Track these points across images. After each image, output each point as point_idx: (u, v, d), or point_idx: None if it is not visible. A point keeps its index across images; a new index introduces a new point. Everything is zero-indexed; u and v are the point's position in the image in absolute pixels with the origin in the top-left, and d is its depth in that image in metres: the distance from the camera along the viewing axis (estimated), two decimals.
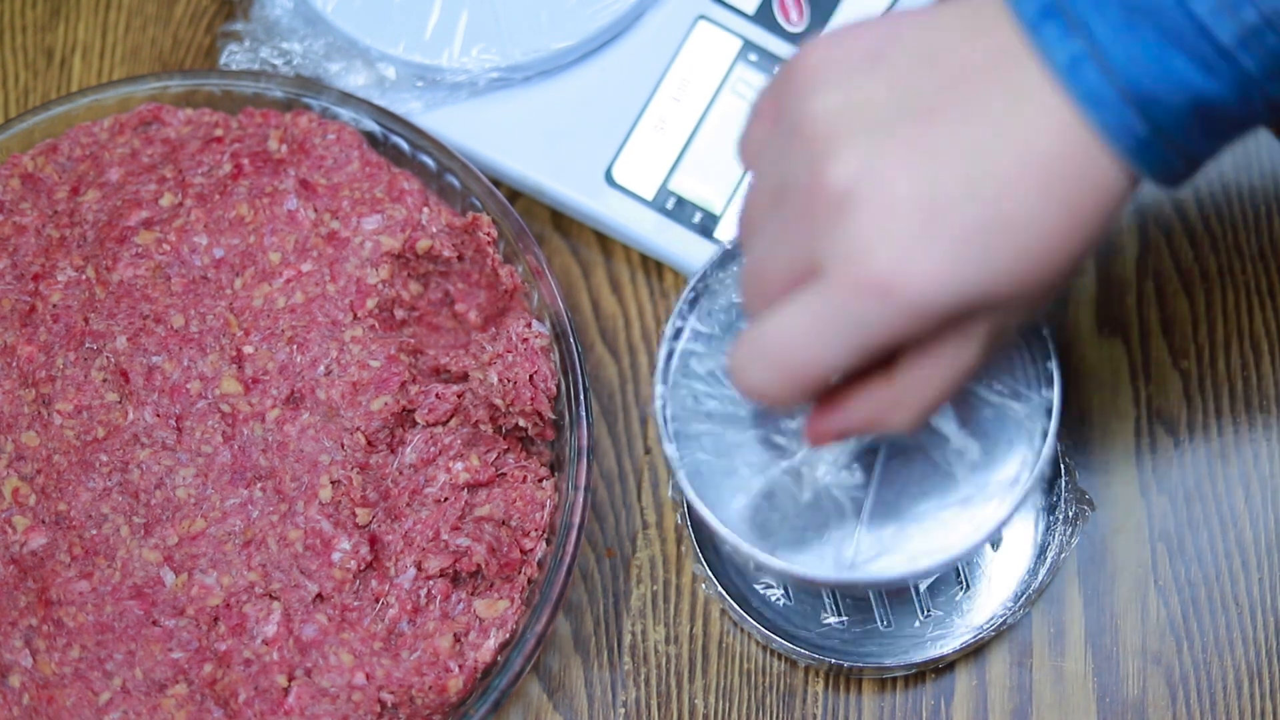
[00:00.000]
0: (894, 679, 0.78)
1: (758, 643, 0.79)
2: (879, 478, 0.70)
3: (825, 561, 0.69)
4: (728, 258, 0.72)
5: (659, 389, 0.70)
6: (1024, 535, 0.77)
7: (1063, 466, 0.77)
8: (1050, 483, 0.77)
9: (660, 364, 0.70)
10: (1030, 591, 0.76)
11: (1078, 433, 0.80)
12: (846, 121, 0.56)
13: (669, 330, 0.71)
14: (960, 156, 0.55)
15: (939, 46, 0.57)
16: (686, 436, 0.70)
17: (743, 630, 0.79)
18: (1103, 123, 0.56)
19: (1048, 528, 0.77)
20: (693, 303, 0.71)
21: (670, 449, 0.69)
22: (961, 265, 0.56)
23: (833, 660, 0.77)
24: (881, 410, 0.61)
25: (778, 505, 0.70)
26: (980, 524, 0.69)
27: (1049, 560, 0.76)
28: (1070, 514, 0.76)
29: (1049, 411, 0.69)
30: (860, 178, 0.55)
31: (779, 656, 0.79)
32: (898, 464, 0.70)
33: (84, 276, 0.79)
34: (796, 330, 0.57)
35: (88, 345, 0.77)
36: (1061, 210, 0.56)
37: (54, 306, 0.78)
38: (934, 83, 0.56)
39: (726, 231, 0.82)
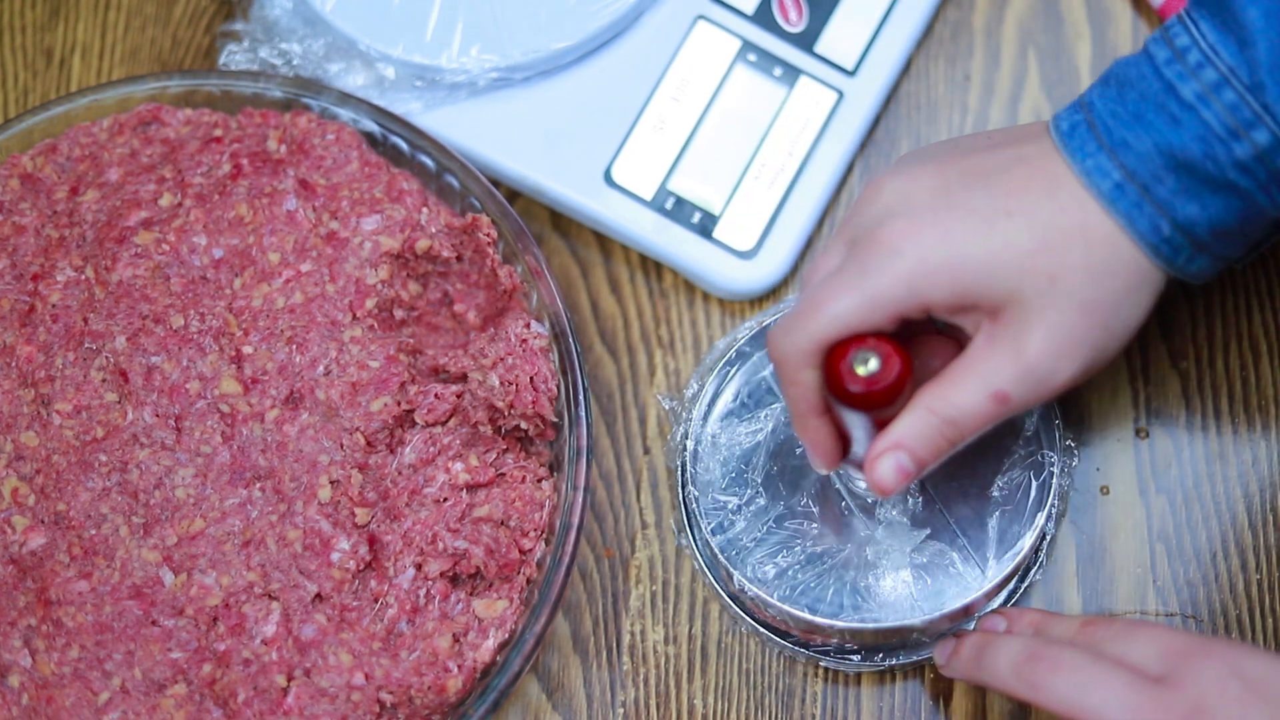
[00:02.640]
0: (893, 678, 0.78)
1: (757, 642, 0.79)
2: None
3: (844, 611, 0.76)
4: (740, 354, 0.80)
5: (692, 490, 0.78)
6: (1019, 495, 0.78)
7: (1057, 415, 0.77)
8: (1036, 435, 0.78)
9: (690, 469, 0.78)
10: (1029, 551, 0.77)
11: (1078, 433, 0.80)
12: (902, 201, 0.69)
13: (689, 446, 0.79)
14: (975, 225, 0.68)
15: (992, 168, 0.69)
16: (712, 512, 0.78)
17: (742, 630, 0.79)
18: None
19: (1040, 482, 0.77)
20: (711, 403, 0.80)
21: (715, 540, 0.77)
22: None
23: (829, 666, 0.77)
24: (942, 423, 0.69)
25: (796, 560, 0.77)
26: (984, 577, 0.76)
27: (1047, 510, 0.76)
28: (1062, 462, 0.77)
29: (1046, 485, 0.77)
30: (904, 238, 0.68)
31: (778, 656, 0.79)
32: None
33: (83, 276, 0.79)
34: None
35: (87, 345, 0.77)
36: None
37: (53, 306, 0.78)
38: (985, 191, 0.69)
39: (726, 233, 0.82)
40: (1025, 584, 0.77)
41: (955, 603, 0.75)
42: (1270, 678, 0.65)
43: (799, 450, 0.78)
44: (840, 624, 0.75)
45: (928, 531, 0.76)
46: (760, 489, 0.78)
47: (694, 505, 0.77)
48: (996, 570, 0.76)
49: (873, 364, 0.67)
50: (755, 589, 0.75)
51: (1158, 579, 0.79)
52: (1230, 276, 0.83)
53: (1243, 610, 0.78)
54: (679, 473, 0.79)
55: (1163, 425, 0.81)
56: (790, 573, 0.76)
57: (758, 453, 0.78)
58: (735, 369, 0.80)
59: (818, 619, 0.75)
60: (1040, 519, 0.76)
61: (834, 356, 0.68)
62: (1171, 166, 0.66)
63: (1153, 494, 0.80)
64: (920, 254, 0.67)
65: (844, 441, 0.72)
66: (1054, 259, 0.67)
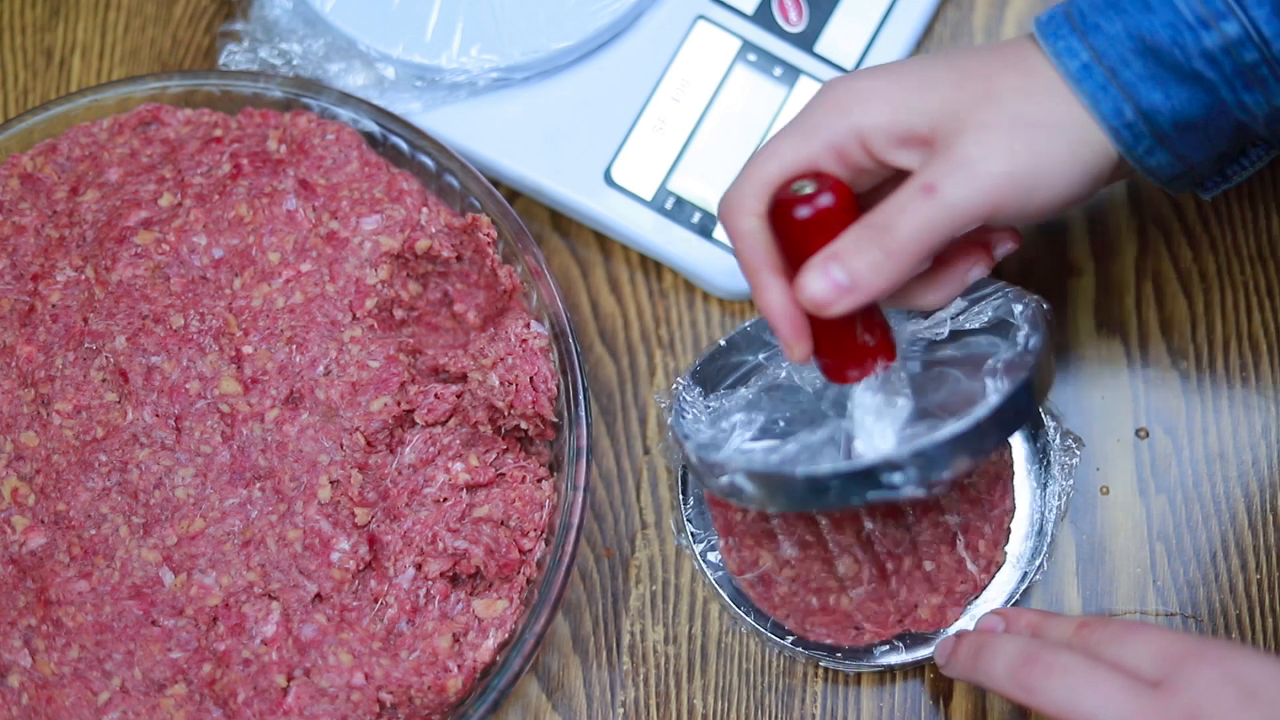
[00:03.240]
0: (893, 678, 0.78)
1: (757, 642, 0.79)
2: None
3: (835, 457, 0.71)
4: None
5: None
6: (1021, 495, 0.77)
7: (1048, 417, 0.77)
8: (1035, 433, 0.78)
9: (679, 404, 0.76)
10: (1039, 556, 0.77)
11: (1077, 433, 0.80)
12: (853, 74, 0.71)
13: (677, 388, 0.77)
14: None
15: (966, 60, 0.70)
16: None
17: (742, 630, 0.79)
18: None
19: (1043, 476, 0.77)
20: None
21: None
22: None
23: (828, 666, 0.77)
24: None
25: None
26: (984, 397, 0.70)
27: (1053, 509, 0.76)
28: (1063, 460, 0.76)
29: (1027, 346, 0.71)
30: (844, 82, 0.70)
31: (778, 656, 0.79)
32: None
33: (83, 276, 0.79)
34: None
35: (87, 345, 0.77)
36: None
37: (53, 306, 0.78)
38: (939, 57, 0.70)
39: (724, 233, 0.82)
40: (1025, 584, 0.77)
41: (953, 427, 0.68)
42: (1266, 682, 0.65)
43: (783, 367, 0.76)
44: (828, 468, 0.68)
45: (913, 405, 0.71)
46: (747, 408, 0.76)
47: (682, 416, 0.75)
48: (995, 389, 0.70)
49: (809, 188, 0.67)
50: (737, 458, 0.71)
51: (1158, 579, 0.79)
52: (1230, 275, 0.83)
53: (1243, 610, 0.78)
54: (674, 460, 0.78)
55: (1163, 425, 0.81)
56: (778, 446, 0.73)
57: (749, 393, 0.76)
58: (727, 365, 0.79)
59: (805, 468, 0.68)
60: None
61: (777, 197, 0.68)
62: (1139, 50, 0.67)
63: (1153, 494, 0.80)
64: (857, 86, 0.69)
65: (810, 322, 0.69)
66: (990, 78, 0.68)
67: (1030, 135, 0.67)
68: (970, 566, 0.77)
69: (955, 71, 0.69)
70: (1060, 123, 0.68)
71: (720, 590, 0.78)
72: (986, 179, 0.67)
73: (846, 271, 0.66)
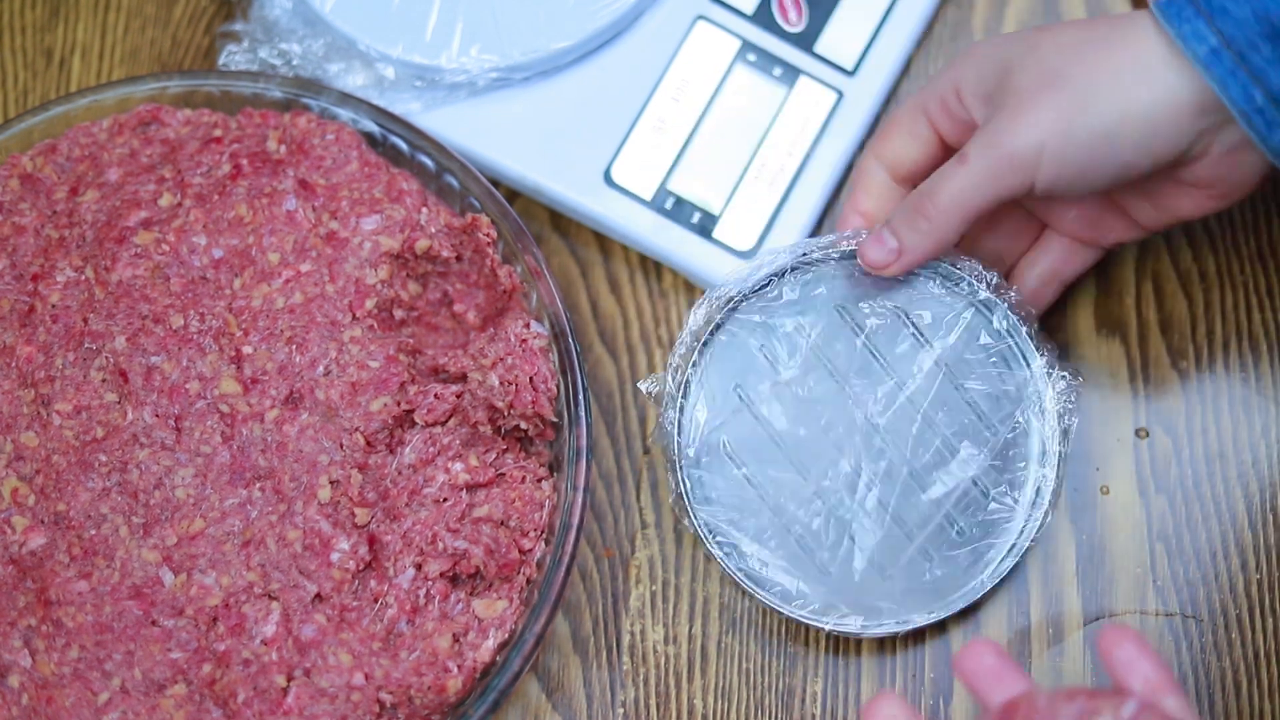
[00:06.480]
0: (893, 678, 0.78)
1: (757, 643, 0.79)
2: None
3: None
4: None
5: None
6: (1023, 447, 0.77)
7: (1042, 351, 0.77)
8: (1029, 365, 0.77)
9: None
10: (1046, 501, 0.76)
11: (1078, 436, 0.80)
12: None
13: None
14: None
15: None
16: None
17: (740, 632, 0.79)
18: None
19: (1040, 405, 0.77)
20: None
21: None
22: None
23: (831, 630, 0.76)
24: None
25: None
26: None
27: (1057, 441, 0.76)
28: (1062, 396, 0.76)
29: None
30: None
31: (778, 656, 0.79)
32: None
33: (83, 277, 0.79)
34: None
35: (87, 345, 0.77)
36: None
37: (53, 307, 0.78)
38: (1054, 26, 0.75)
39: (726, 233, 0.82)
40: (1034, 526, 0.77)
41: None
42: None
43: None
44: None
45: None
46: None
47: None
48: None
49: None
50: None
51: (1158, 579, 0.79)
52: (1230, 275, 0.83)
53: (1243, 610, 0.78)
54: (674, 452, 0.77)
55: (1163, 425, 0.81)
56: None
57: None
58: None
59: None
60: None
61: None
62: (1268, 34, 0.67)
63: (1153, 494, 0.80)
64: (980, 43, 0.73)
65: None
66: (1070, 47, 0.71)
67: (1070, 94, 0.69)
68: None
69: (1053, 38, 0.71)
70: (1128, 73, 0.70)
71: (726, 562, 0.77)
72: (1007, 152, 0.69)
73: (897, 239, 0.74)
